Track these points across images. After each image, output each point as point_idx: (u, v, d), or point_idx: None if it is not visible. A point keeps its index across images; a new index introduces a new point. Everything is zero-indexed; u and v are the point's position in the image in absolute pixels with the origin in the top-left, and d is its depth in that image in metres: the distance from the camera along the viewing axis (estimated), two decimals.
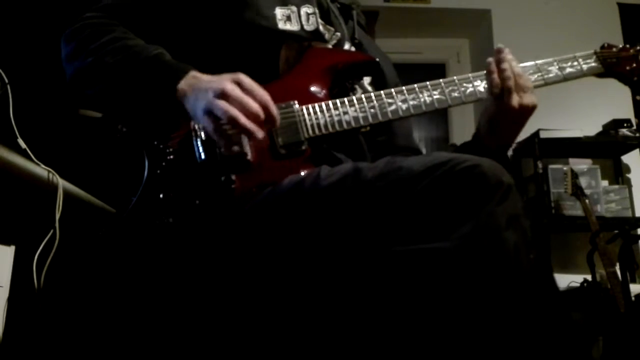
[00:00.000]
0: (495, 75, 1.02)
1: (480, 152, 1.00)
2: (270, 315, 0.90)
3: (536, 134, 3.01)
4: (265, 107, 0.89)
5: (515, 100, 1.01)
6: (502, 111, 1.02)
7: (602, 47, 1.15)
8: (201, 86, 0.92)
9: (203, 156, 0.94)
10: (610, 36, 3.39)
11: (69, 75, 1.04)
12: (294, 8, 1.11)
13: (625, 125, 3.12)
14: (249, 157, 0.95)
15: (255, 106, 0.87)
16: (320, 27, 1.14)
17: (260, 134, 0.88)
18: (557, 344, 0.71)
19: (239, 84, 0.89)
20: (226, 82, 0.89)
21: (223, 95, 0.87)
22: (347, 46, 1.18)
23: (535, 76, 1.07)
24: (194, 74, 0.95)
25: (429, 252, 0.72)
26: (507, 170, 0.78)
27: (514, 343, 0.69)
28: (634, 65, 1.14)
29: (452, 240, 0.72)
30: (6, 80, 1.42)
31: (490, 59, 1.05)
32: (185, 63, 0.99)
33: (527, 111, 1.03)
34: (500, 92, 1.02)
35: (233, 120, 0.86)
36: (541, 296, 0.72)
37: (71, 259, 1.42)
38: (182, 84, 0.94)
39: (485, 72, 1.06)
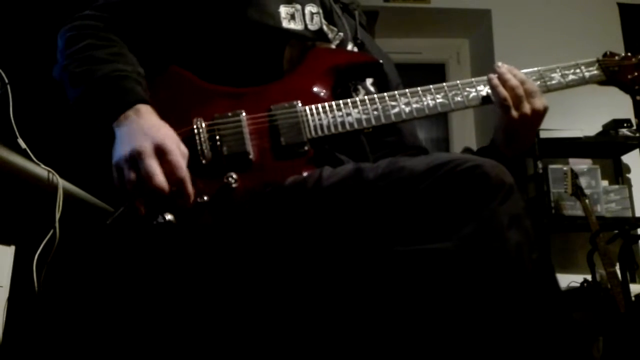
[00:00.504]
0: (501, 88, 1.02)
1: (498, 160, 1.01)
2: (271, 315, 0.90)
3: (536, 134, 3.00)
4: (177, 185, 0.85)
5: (527, 107, 1.01)
6: (516, 120, 1.02)
7: (605, 55, 1.17)
8: (130, 130, 0.88)
9: (205, 155, 0.94)
10: (610, 36, 3.41)
11: (56, 73, 1.03)
12: (299, 6, 1.11)
13: (625, 125, 3.12)
14: (251, 156, 0.94)
15: (158, 184, 0.83)
16: (324, 27, 1.14)
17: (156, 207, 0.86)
18: (559, 343, 0.71)
19: (161, 151, 0.85)
20: (148, 144, 0.85)
21: (138, 157, 0.84)
22: (350, 46, 1.18)
23: (538, 82, 1.08)
24: (138, 107, 0.92)
25: (431, 252, 0.73)
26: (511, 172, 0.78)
27: (517, 342, 0.69)
28: (635, 74, 1.15)
29: (454, 240, 0.72)
30: (6, 80, 1.42)
31: (492, 75, 1.04)
32: (184, 64, 0.98)
33: (539, 115, 1.03)
34: (510, 104, 1.01)
35: (133, 190, 0.84)
36: (543, 296, 0.72)
37: (71, 259, 1.41)
38: (123, 114, 0.91)
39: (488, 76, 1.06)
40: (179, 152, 0.87)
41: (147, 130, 0.87)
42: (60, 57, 1.01)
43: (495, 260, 0.71)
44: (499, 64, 1.06)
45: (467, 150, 1.17)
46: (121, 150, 0.86)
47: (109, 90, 0.93)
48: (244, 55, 1.06)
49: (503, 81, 1.03)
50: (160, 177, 0.83)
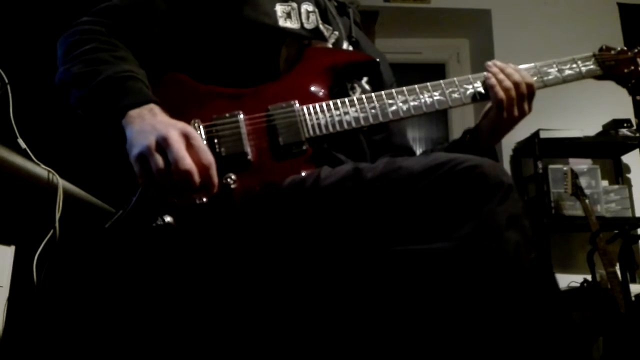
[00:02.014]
0: (498, 88, 1.04)
1: (476, 152, 1.02)
2: (269, 315, 0.90)
3: (536, 134, 3.01)
4: (205, 170, 0.83)
5: (517, 110, 1.05)
6: (505, 119, 1.05)
7: (601, 50, 1.17)
8: (150, 123, 0.86)
9: None
10: (610, 36, 3.40)
11: (56, 80, 1.02)
12: (295, 5, 1.11)
13: (625, 125, 3.11)
14: (250, 156, 0.95)
15: (189, 167, 0.81)
16: (320, 26, 1.14)
17: (183, 198, 0.84)
18: (557, 343, 0.71)
19: (187, 138, 0.84)
20: (173, 131, 0.83)
21: (164, 143, 0.82)
22: (345, 45, 1.18)
23: (535, 78, 1.09)
24: (152, 107, 0.90)
25: (429, 252, 0.73)
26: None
27: (515, 343, 0.69)
28: (632, 67, 1.16)
29: (452, 240, 0.72)
30: (6, 80, 1.42)
31: (489, 74, 1.06)
32: (182, 65, 0.98)
33: (524, 115, 1.06)
34: (505, 104, 1.04)
35: (160, 179, 0.82)
36: (542, 296, 0.72)
37: (71, 259, 1.42)
38: (135, 112, 0.89)
39: (484, 73, 1.07)
40: (201, 139, 0.86)
41: (168, 121, 0.87)
42: (61, 62, 1.00)
43: (493, 260, 0.71)
44: (490, 63, 1.07)
45: (439, 144, 1.20)
46: (144, 140, 0.83)
47: (117, 90, 0.91)
48: (241, 55, 1.06)
49: (498, 80, 1.04)
50: (189, 160, 0.81)
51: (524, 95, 1.05)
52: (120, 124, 0.89)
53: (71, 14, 1.08)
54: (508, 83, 1.04)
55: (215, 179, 0.84)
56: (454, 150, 1.12)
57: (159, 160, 0.81)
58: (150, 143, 0.82)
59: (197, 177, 0.82)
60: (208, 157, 0.84)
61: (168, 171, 0.81)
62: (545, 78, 1.10)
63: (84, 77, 0.94)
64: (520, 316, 0.70)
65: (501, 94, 1.03)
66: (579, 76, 1.13)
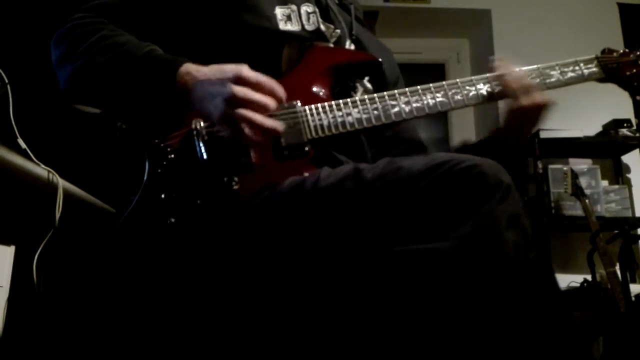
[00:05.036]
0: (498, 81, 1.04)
1: (498, 149, 1.05)
2: (270, 315, 0.90)
3: (536, 134, 3.01)
4: (272, 94, 0.89)
5: (524, 100, 1.04)
6: (516, 111, 1.05)
7: (603, 52, 1.16)
8: (203, 85, 0.90)
9: (205, 156, 0.93)
10: (610, 36, 3.41)
11: (62, 82, 1.01)
12: (294, 7, 1.11)
13: (625, 125, 3.12)
14: (252, 158, 0.94)
15: (269, 101, 0.88)
16: (321, 26, 1.13)
17: (280, 127, 0.89)
18: (558, 343, 0.71)
19: (243, 81, 0.88)
20: (230, 85, 0.87)
21: (234, 101, 0.86)
22: (347, 43, 1.17)
23: (537, 80, 1.08)
24: (186, 67, 0.93)
25: (428, 252, 0.73)
26: (517, 166, 0.79)
27: (515, 343, 0.69)
28: (634, 70, 1.15)
29: (452, 240, 0.72)
30: (6, 80, 1.42)
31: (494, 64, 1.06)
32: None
33: (537, 110, 1.06)
34: (508, 94, 1.04)
35: (256, 126, 0.86)
36: (542, 295, 0.72)
37: (71, 259, 1.41)
38: (179, 77, 0.92)
39: (487, 75, 1.07)
40: (250, 71, 0.89)
41: (213, 72, 0.91)
42: (69, 59, 0.99)
43: (492, 259, 0.71)
44: (495, 57, 1.07)
45: (464, 144, 1.18)
46: (215, 107, 0.88)
47: (152, 64, 0.94)
48: (242, 59, 1.05)
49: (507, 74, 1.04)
50: (260, 96, 0.87)
51: (530, 88, 1.04)
52: (176, 94, 0.92)
53: (71, 14, 1.08)
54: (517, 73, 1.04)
55: (282, 92, 0.91)
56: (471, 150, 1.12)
57: (243, 114, 0.86)
58: (223, 106, 0.87)
59: (274, 104, 0.88)
60: (268, 83, 0.89)
61: (258, 120, 0.86)
62: (548, 80, 1.09)
63: (113, 63, 0.95)
64: (520, 316, 0.70)
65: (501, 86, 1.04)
66: (582, 79, 1.12)
